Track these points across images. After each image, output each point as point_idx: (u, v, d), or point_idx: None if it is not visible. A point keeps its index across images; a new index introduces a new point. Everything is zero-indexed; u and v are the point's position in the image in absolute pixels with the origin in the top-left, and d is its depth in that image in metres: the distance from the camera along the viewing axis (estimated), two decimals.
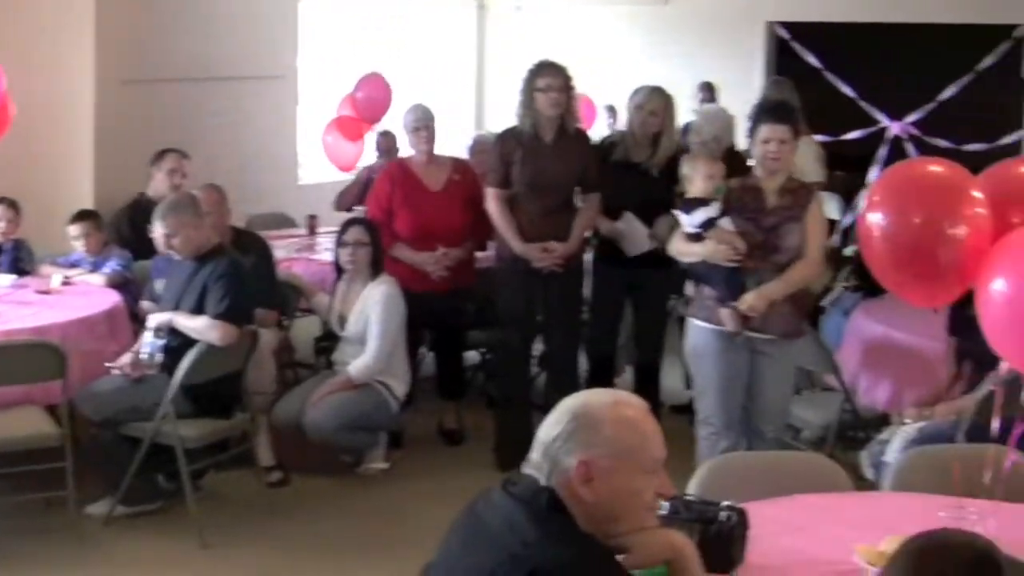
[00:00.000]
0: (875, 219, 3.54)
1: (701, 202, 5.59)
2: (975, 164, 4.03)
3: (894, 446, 5.34)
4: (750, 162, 5.59)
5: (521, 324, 6.87)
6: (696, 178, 5.66)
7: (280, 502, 6.24)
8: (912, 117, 12.37)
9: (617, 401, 2.62)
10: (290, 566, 5.63)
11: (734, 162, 6.54)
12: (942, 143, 11.55)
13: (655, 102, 6.95)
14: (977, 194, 3.36)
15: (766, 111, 5.65)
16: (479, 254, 7.30)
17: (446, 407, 7.44)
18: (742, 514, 3.27)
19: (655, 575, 2.77)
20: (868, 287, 7.45)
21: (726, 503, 3.29)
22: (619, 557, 2.58)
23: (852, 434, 6.57)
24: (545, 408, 6.86)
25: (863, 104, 12.49)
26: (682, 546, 2.69)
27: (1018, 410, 3.50)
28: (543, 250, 6.62)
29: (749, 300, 5.47)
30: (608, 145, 7.14)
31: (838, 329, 6.98)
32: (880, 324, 6.51)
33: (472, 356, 8.20)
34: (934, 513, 3.49)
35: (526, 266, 6.66)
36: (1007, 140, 11.65)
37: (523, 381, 7.04)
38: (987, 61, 12.02)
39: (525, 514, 2.48)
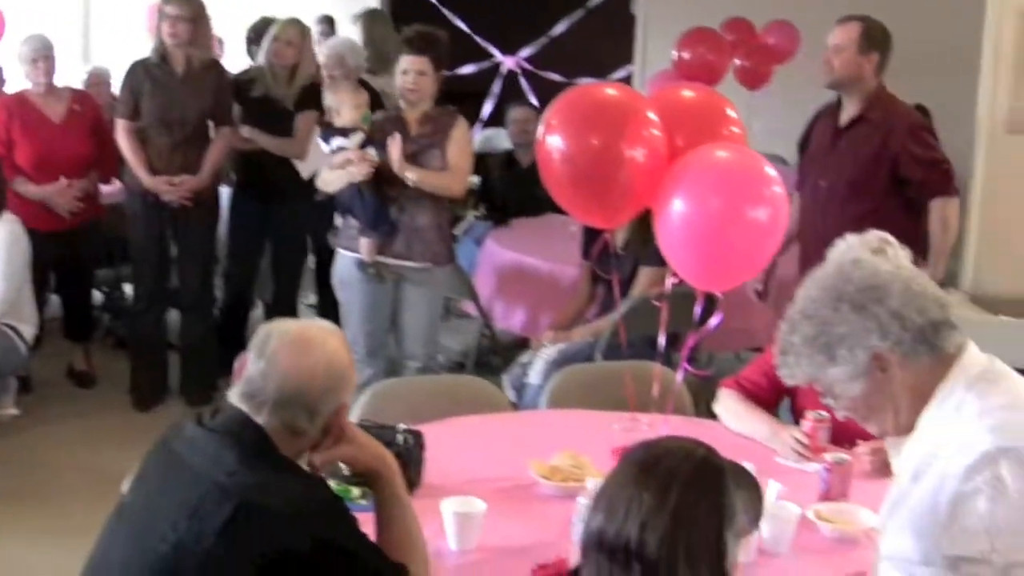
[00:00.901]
0: (554, 142, 3.58)
1: (342, 131, 5.59)
2: None
3: (536, 368, 5.53)
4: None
5: (152, 260, 6.69)
6: (343, 108, 5.63)
7: None
8: (525, 52, 12.67)
9: (343, 339, 2.65)
10: None
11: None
12: (555, 77, 11.85)
13: (290, 32, 6.88)
14: (652, 116, 3.48)
15: (406, 42, 5.67)
16: (107, 188, 7.04)
17: (74, 349, 7.19)
18: (418, 436, 3.34)
19: (350, 497, 2.83)
20: (496, 216, 7.69)
21: (402, 426, 3.35)
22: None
23: (488, 359, 6.79)
24: (181, 348, 6.80)
25: (477, 39, 12.66)
26: (391, 459, 2.75)
27: (689, 325, 3.68)
28: (170, 183, 6.46)
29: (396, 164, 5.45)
30: (247, 80, 7.00)
31: (471, 258, 7.14)
32: (511, 251, 6.71)
33: (98, 296, 7.93)
34: (603, 427, 3.66)
35: (156, 200, 6.49)
36: (617, 75, 12.04)
37: (156, 319, 6.86)
38: None
39: (229, 446, 2.45)
